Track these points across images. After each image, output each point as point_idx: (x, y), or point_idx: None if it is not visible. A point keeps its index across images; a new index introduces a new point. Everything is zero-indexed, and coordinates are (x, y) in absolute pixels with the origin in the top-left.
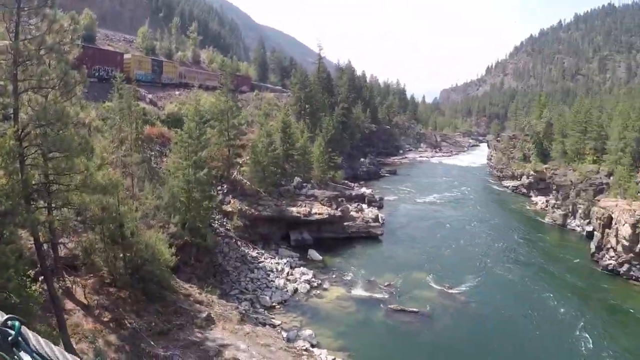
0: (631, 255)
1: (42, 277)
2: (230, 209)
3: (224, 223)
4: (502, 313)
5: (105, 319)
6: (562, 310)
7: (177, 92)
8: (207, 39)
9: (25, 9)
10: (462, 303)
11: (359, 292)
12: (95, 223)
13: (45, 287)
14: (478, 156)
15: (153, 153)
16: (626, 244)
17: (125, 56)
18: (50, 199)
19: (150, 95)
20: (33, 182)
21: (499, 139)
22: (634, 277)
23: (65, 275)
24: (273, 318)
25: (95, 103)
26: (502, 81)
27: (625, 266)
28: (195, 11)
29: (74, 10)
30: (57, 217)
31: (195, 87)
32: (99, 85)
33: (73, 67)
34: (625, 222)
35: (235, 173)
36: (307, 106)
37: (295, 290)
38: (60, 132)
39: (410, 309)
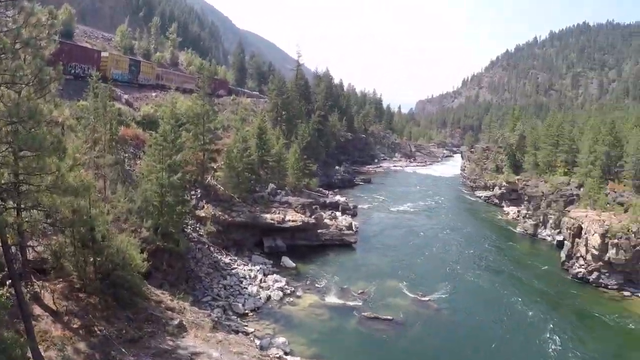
0: (600, 263)
1: (10, 281)
2: (203, 214)
3: (197, 228)
4: (474, 319)
5: (75, 326)
6: (532, 315)
7: (153, 94)
8: (186, 40)
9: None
10: (435, 310)
11: (332, 299)
12: (65, 226)
13: (13, 292)
14: (452, 167)
15: (127, 155)
16: (595, 253)
17: (103, 54)
18: (19, 199)
19: (126, 96)
20: (2, 182)
21: (472, 150)
22: (603, 285)
23: (34, 280)
24: (246, 325)
25: (69, 101)
26: (477, 94)
27: (595, 274)
28: (176, 12)
29: (52, 5)
30: (27, 219)
31: (172, 89)
32: (75, 83)
33: (49, 63)
34: (595, 232)
35: (209, 178)
36: (283, 113)
37: (269, 298)
38: (33, 130)
39: (384, 317)
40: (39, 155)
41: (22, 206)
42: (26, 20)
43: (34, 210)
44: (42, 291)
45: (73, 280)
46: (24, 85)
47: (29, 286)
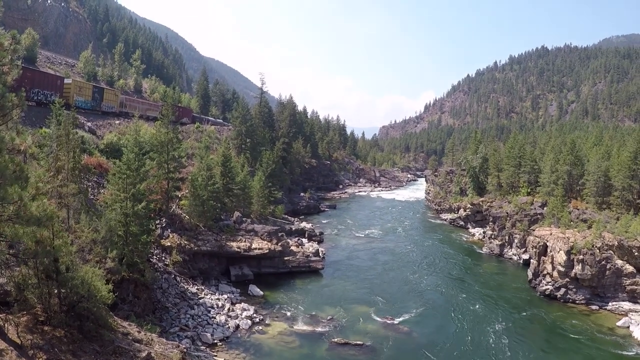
0: (567, 279)
1: None
2: (169, 244)
3: (163, 258)
4: (444, 340)
5: None
6: (502, 333)
7: (117, 121)
8: (150, 68)
9: None
10: (404, 333)
11: (301, 326)
12: (28, 257)
13: None
14: (416, 191)
15: (90, 184)
16: (562, 269)
17: (66, 81)
18: None
19: (89, 123)
20: None
21: (436, 173)
22: (570, 300)
23: None
24: (215, 355)
25: (32, 128)
26: (439, 118)
27: (562, 290)
28: (140, 39)
29: (15, 29)
30: None
31: (135, 117)
32: (37, 109)
33: (11, 89)
34: (560, 249)
35: (174, 207)
36: (248, 140)
37: (237, 327)
38: None
39: (354, 342)
40: (0, 184)
41: None
42: None
43: None
44: (6, 324)
45: (37, 313)
46: None
47: None
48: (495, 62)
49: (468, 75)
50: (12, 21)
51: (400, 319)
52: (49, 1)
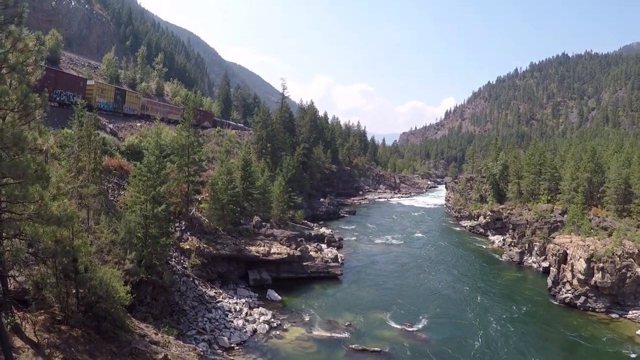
0: (587, 288)
1: None
2: (187, 247)
3: (182, 261)
4: (462, 348)
5: (57, 359)
6: (522, 342)
7: (138, 124)
8: (172, 71)
9: None
10: (422, 340)
11: (319, 332)
12: (47, 256)
13: None
14: (436, 197)
15: (110, 185)
16: (582, 277)
17: (88, 82)
18: (1, 228)
19: (110, 125)
20: None
21: (456, 180)
22: (590, 309)
23: (15, 311)
24: (232, 359)
25: (54, 129)
26: (460, 125)
27: (582, 298)
28: (162, 42)
29: (40, 30)
30: (8, 248)
31: (157, 120)
32: (59, 110)
33: (34, 89)
34: (580, 257)
35: (194, 210)
36: (268, 145)
37: (255, 331)
38: (16, 157)
39: (372, 348)
40: (22, 183)
41: (4, 235)
42: (13, 45)
43: (16, 239)
44: (23, 322)
45: (55, 312)
46: (8, 111)
47: (9, 317)
48: (516, 69)
49: (489, 82)
50: (36, 22)
51: (419, 326)
52: (73, 3)
